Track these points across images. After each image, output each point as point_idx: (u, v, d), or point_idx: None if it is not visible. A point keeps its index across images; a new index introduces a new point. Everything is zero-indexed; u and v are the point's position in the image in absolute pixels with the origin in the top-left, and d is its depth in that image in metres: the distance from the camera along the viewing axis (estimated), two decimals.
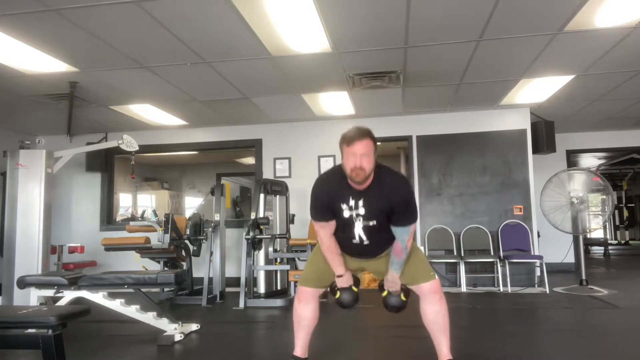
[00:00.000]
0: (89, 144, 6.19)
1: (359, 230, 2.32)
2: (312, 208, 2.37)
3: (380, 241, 2.41)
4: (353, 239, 2.36)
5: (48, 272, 4.64)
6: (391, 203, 2.25)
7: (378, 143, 2.28)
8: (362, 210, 2.27)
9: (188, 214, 7.83)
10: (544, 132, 6.11)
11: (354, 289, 2.53)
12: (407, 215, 2.30)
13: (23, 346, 2.42)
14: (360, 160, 2.15)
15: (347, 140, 2.19)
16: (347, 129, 2.26)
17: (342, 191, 2.28)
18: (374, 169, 2.23)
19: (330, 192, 2.31)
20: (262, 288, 5.22)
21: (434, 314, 2.39)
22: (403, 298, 2.47)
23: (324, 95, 5.29)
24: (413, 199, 2.34)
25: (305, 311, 2.52)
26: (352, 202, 2.27)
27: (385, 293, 2.54)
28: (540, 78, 4.83)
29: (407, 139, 6.26)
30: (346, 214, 2.29)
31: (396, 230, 2.32)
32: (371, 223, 2.29)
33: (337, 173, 2.30)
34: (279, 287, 5.33)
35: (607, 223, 10.45)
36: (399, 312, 2.53)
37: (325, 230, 2.38)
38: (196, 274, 5.63)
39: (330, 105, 5.67)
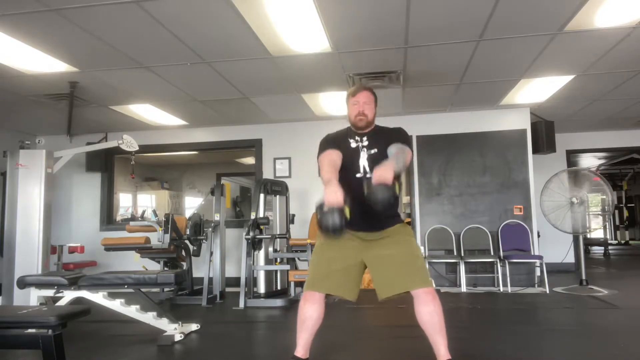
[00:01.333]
0: (89, 144, 6.20)
1: (363, 161, 2.50)
2: (319, 150, 2.55)
3: None
4: (357, 173, 2.48)
5: (48, 272, 4.64)
6: (392, 139, 2.51)
7: None
8: (366, 142, 2.54)
9: (188, 214, 7.82)
10: (544, 132, 6.11)
11: (347, 211, 2.12)
12: (404, 142, 2.51)
13: (23, 346, 2.42)
14: (362, 107, 2.52)
15: (351, 93, 2.59)
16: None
17: (348, 135, 2.60)
18: (375, 125, 2.57)
19: (337, 136, 2.61)
20: (262, 288, 5.22)
21: (429, 314, 2.38)
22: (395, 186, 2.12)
23: (323, 95, 5.29)
24: (410, 140, 2.63)
25: (311, 311, 2.49)
26: (357, 138, 2.57)
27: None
28: (540, 78, 4.83)
29: None
30: (352, 144, 2.55)
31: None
32: (373, 151, 2.51)
33: (343, 129, 2.65)
34: (279, 287, 5.33)
35: (607, 223, 10.45)
36: (387, 203, 2.13)
37: (330, 154, 2.48)
38: (196, 274, 5.64)
39: (330, 105, 5.67)
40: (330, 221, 2.07)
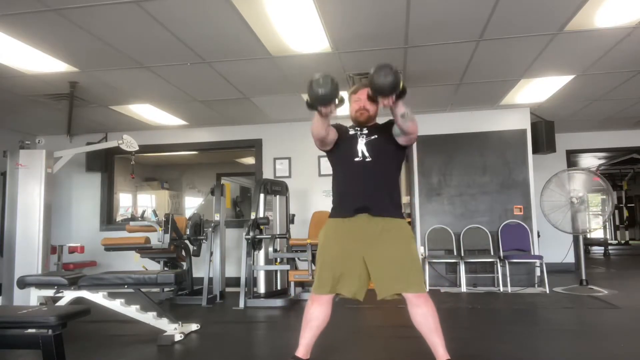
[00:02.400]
0: (89, 144, 6.20)
1: (361, 146, 2.50)
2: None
3: (381, 164, 2.47)
4: (356, 157, 2.48)
5: (48, 272, 4.64)
6: (392, 127, 2.50)
7: None
8: (365, 131, 2.55)
9: (188, 214, 7.83)
10: (544, 132, 6.11)
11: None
12: None
13: (23, 346, 2.42)
14: (364, 102, 2.53)
15: (353, 90, 2.63)
16: None
17: (348, 127, 2.62)
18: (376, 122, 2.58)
19: (337, 124, 2.62)
20: (262, 288, 5.22)
21: (422, 315, 2.38)
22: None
23: None
24: None
25: (317, 312, 2.48)
26: (357, 129, 2.57)
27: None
28: (540, 78, 4.83)
29: None
30: (351, 132, 2.57)
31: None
32: (372, 137, 2.52)
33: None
34: (278, 287, 5.33)
35: (607, 223, 10.45)
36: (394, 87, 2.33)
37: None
38: (196, 274, 5.63)
39: None
40: (321, 88, 2.30)
